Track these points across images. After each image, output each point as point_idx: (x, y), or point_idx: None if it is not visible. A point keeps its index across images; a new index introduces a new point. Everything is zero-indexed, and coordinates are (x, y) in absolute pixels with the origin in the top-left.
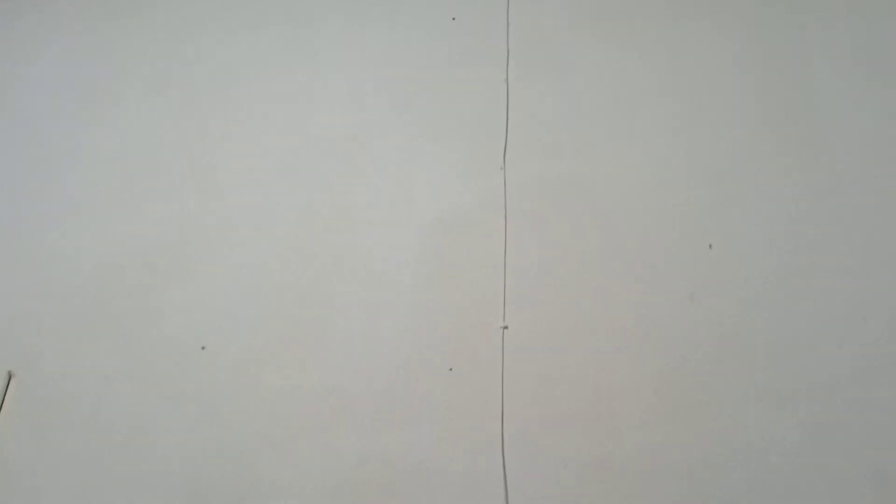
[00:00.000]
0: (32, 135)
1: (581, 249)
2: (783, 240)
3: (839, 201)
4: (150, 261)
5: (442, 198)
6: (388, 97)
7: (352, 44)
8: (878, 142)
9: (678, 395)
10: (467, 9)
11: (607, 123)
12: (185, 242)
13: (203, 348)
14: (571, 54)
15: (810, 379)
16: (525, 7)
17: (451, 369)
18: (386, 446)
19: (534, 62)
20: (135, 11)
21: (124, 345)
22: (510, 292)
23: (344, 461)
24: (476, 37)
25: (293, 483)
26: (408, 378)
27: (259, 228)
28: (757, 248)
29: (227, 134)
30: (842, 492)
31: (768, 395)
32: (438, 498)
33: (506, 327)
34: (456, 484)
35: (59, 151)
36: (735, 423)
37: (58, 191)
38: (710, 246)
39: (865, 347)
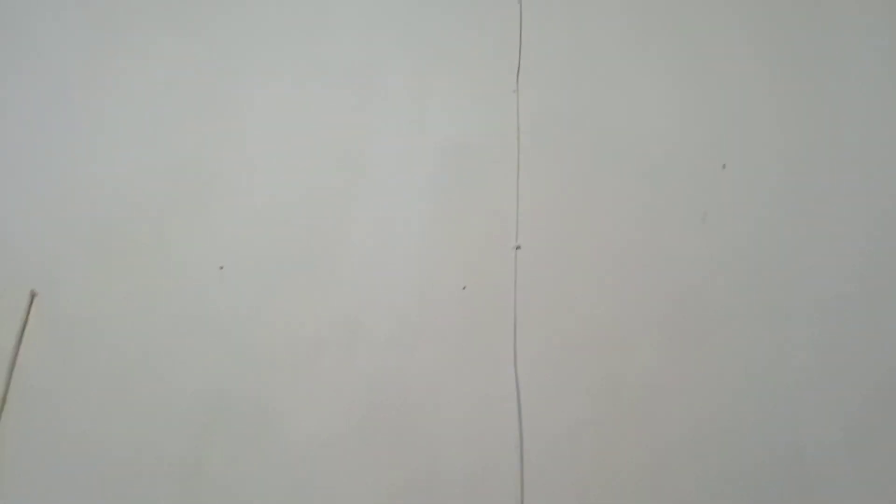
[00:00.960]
0: (49, 64)
1: (593, 170)
2: (797, 160)
3: (854, 121)
4: (169, 185)
5: (455, 120)
6: (400, 20)
7: None
8: (892, 62)
9: (690, 313)
10: None
11: (621, 44)
12: (203, 168)
13: (221, 268)
14: None
15: (821, 299)
16: None
17: (464, 288)
18: (400, 364)
19: None
20: None
21: (145, 264)
22: (523, 213)
23: (360, 378)
24: None
25: (309, 402)
26: (422, 297)
27: (274, 154)
28: (771, 167)
29: (242, 61)
30: (852, 409)
31: (779, 315)
32: (452, 415)
33: (518, 247)
34: (469, 401)
35: (77, 78)
36: (746, 342)
37: (78, 116)
38: (724, 166)
39: (876, 268)
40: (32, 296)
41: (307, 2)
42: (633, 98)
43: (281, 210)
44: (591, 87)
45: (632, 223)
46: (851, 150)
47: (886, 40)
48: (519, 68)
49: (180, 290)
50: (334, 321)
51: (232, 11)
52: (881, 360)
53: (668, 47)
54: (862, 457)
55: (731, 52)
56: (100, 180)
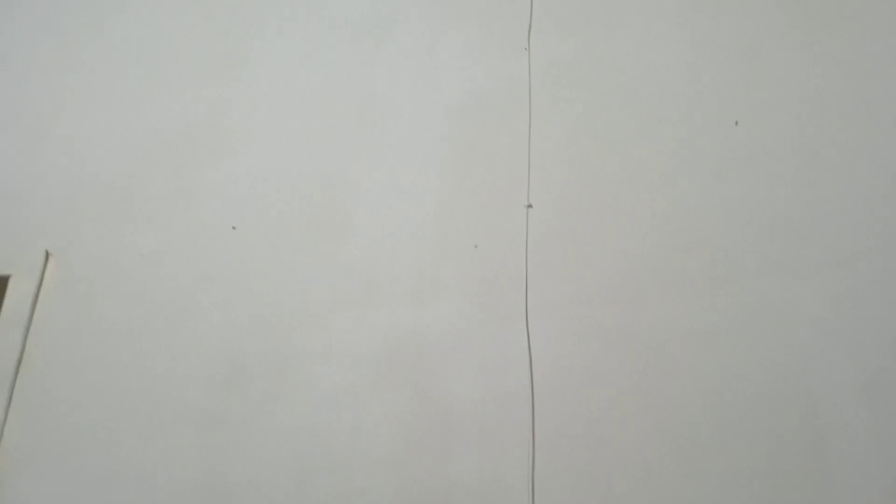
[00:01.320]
0: (60, 22)
1: (605, 128)
2: (808, 116)
3: (869, 78)
4: (183, 144)
5: (466, 79)
6: None
7: None
8: None
9: (701, 267)
10: None
11: (633, 1)
12: (216, 126)
13: (234, 228)
14: None
15: (833, 251)
16: None
17: (476, 246)
18: (415, 319)
19: None
20: None
21: (159, 224)
22: (534, 171)
23: (375, 333)
24: None
25: (327, 354)
26: (434, 255)
27: (287, 112)
28: (782, 124)
29: (254, 18)
30: (864, 359)
31: (791, 268)
32: (465, 367)
33: (530, 206)
34: (482, 354)
35: (89, 36)
36: (757, 294)
37: (90, 76)
38: (737, 123)
39: (887, 219)
40: (47, 256)
41: None
42: (646, 55)
43: (295, 169)
44: (602, 45)
45: (643, 180)
46: (866, 106)
47: None
48: (530, 25)
49: (194, 249)
50: (349, 278)
51: None
52: (893, 310)
53: (681, 4)
54: (874, 408)
55: (744, 8)
56: (112, 141)
